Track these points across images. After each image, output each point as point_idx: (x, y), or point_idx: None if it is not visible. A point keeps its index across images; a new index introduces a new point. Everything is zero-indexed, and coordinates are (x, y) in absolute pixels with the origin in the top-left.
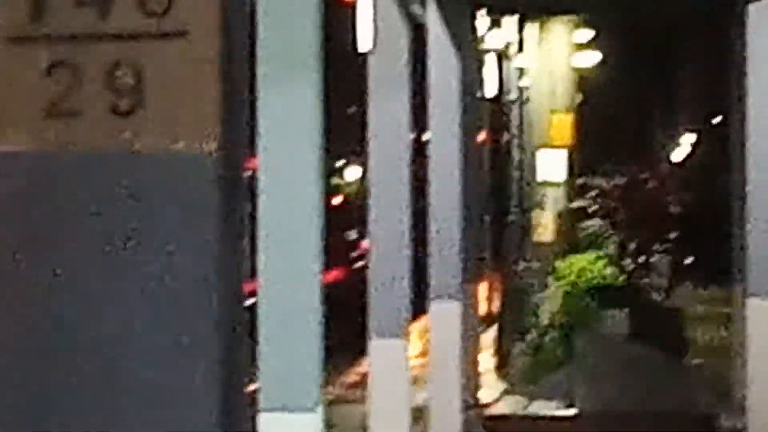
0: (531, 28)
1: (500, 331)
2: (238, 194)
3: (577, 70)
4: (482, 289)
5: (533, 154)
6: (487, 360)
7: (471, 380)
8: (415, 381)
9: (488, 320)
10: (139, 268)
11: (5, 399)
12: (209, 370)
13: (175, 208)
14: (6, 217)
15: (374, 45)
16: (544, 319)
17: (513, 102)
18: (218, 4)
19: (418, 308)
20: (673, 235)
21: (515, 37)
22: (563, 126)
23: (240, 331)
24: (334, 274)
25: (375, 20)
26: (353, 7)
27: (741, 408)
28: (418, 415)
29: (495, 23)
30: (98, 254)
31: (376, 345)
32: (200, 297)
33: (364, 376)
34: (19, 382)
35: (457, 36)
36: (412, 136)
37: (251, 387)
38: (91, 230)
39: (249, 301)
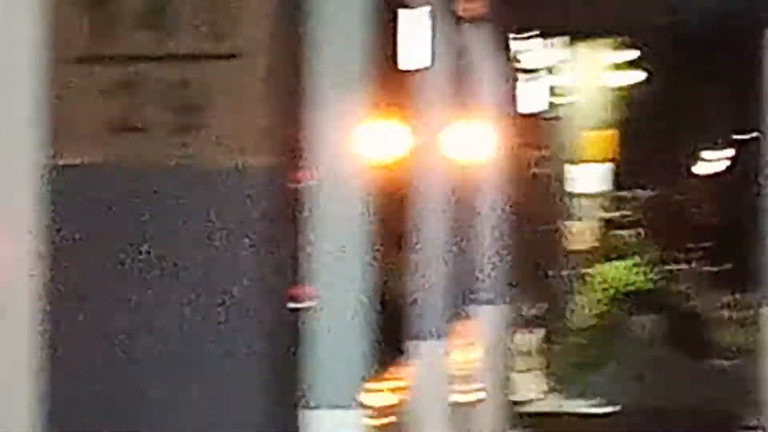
0: (576, 49)
1: (546, 333)
2: (291, 203)
3: (616, 89)
4: (527, 293)
5: (573, 165)
6: (531, 360)
7: (512, 380)
8: (458, 380)
9: (533, 323)
10: (201, 269)
11: (97, 372)
12: (256, 363)
13: (232, 217)
14: (76, 224)
15: (432, 63)
16: (584, 323)
17: (557, 118)
18: (271, 28)
19: (462, 312)
20: (706, 244)
21: (562, 57)
22: (601, 141)
23: (291, 330)
24: None
25: (433, 41)
26: (394, 29)
27: (765, 405)
28: (459, 413)
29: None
30: (163, 257)
31: (420, 347)
32: (255, 297)
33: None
34: (106, 359)
35: (504, 58)
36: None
37: (300, 384)
38: (153, 236)
39: (301, 304)
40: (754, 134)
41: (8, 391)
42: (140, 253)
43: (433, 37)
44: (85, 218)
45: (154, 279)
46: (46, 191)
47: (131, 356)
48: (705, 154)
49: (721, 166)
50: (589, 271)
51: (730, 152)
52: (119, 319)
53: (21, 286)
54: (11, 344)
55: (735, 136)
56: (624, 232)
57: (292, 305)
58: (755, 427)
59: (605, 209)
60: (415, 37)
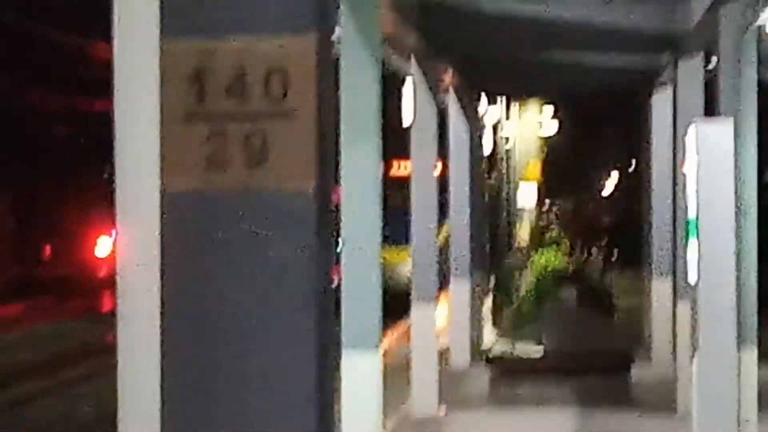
0: (513, 108)
1: (495, 300)
2: (329, 216)
3: (542, 135)
4: (486, 271)
5: (515, 188)
6: (487, 318)
7: (475, 331)
8: (441, 330)
9: (490, 291)
10: (269, 263)
11: (190, 343)
12: (311, 321)
13: (289, 228)
14: (184, 234)
15: (414, 121)
16: (523, 292)
17: (501, 157)
18: (316, 93)
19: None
20: (605, 239)
21: (503, 114)
22: (532, 172)
23: (329, 299)
24: None
25: (414, 106)
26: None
27: (648, 346)
28: (443, 354)
29: (491, 102)
30: (241, 257)
31: (414, 308)
32: (310, 280)
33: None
34: (198, 337)
35: (468, 115)
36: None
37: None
38: (233, 244)
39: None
40: (636, 164)
41: (138, 358)
42: (227, 253)
43: (415, 100)
44: (189, 231)
45: (238, 273)
46: (163, 211)
47: (226, 330)
48: (602, 178)
49: (613, 186)
50: (529, 257)
51: (619, 177)
52: (214, 306)
53: (147, 279)
54: (141, 327)
55: (623, 166)
56: (550, 231)
57: (329, 279)
58: (640, 361)
59: (537, 215)
60: (410, 101)
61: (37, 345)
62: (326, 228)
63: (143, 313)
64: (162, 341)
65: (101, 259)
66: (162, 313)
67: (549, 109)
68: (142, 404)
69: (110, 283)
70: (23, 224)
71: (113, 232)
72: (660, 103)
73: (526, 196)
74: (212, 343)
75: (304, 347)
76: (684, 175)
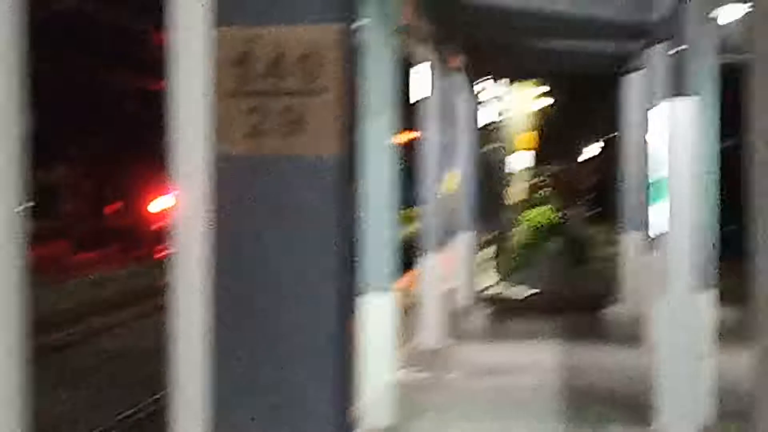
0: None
1: (494, 250)
2: (353, 178)
3: (536, 109)
4: (486, 226)
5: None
6: (487, 264)
7: (475, 277)
8: (446, 276)
9: (489, 243)
10: (302, 216)
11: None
12: (335, 276)
13: (318, 186)
14: (230, 192)
15: (431, 94)
16: (518, 243)
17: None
18: (343, 74)
19: (449, 237)
20: (586, 197)
21: (504, 91)
22: (527, 142)
23: (351, 254)
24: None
25: (430, 83)
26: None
27: (619, 290)
28: (449, 295)
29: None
30: (279, 211)
31: (423, 258)
32: (337, 235)
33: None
34: (238, 302)
35: (471, 91)
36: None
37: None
38: (272, 201)
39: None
40: (614, 135)
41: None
42: (266, 208)
43: (432, 79)
44: (236, 188)
45: (277, 224)
46: (212, 174)
47: (265, 269)
48: (586, 146)
49: (595, 152)
50: (521, 213)
51: (600, 145)
52: (255, 250)
53: (197, 231)
54: (191, 273)
55: (603, 136)
56: (540, 191)
57: (352, 238)
58: (613, 301)
59: (530, 178)
60: (421, 80)
61: (107, 285)
62: (350, 188)
63: (193, 260)
64: (210, 283)
65: (158, 215)
66: (210, 259)
67: (543, 87)
68: (191, 340)
69: (161, 235)
70: (96, 187)
71: (165, 193)
72: (634, 82)
73: (522, 161)
74: (252, 281)
75: (329, 293)
76: (646, 143)
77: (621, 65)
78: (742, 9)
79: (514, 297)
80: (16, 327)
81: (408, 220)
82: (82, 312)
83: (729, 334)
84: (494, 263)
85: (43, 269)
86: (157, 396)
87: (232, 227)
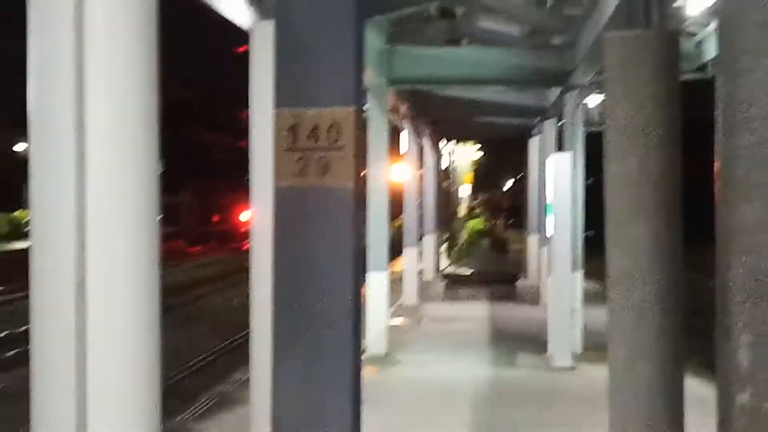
0: (460, 144)
1: (448, 245)
2: (362, 203)
3: (474, 159)
4: (444, 230)
5: (459, 186)
6: (445, 254)
7: (439, 261)
8: (419, 261)
9: (446, 241)
10: (330, 227)
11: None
12: (353, 262)
13: (340, 207)
14: (284, 209)
15: (406, 155)
16: (461, 241)
17: (453, 168)
18: (354, 137)
19: (421, 236)
20: (505, 213)
21: (454, 147)
22: (468, 179)
23: (363, 246)
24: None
25: (408, 142)
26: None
27: (525, 270)
28: (421, 272)
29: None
30: (316, 223)
31: (405, 250)
32: (351, 233)
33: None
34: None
35: (433, 148)
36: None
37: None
38: (311, 215)
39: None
40: (522, 174)
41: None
42: (308, 221)
43: (409, 140)
44: (288, 208)
45: (315, 233)
46: (274, 198)
47: (311, 264)
48: (505, 181)
49: (510, 185)
50: (465, 222)
51: (513, 180)
52: (301, 249)
53: (266, 233)
54: (263, 260)
55: (515, 175)
56: (476, 209)
57: (363, 237)
58: (521, 277)
59: (470, 201)
60: (404, 139)
61: (205, 268)
62: (360, 208)
63: (264, 251)
64: (274, 263)
65: (243, 222)
66: (274, 249)
67: (477, 145)
68: (263, 299)
69: (246, 235)
70: (202, 205)
71: (250, 210)
72: (534, 142)
73: (465, 190)
74: (301, 262)
75: (349, 272)
76: (542, 180)
77: (526, 132)
78: (600, 98)
79: (460, 274)
80: (155, 294)
81: (396, 226)
82: (192, 284)
83: (591, 298)
84: (448, 253)
85: (168, 257)
86: (243, 334)
87: (287, 231)
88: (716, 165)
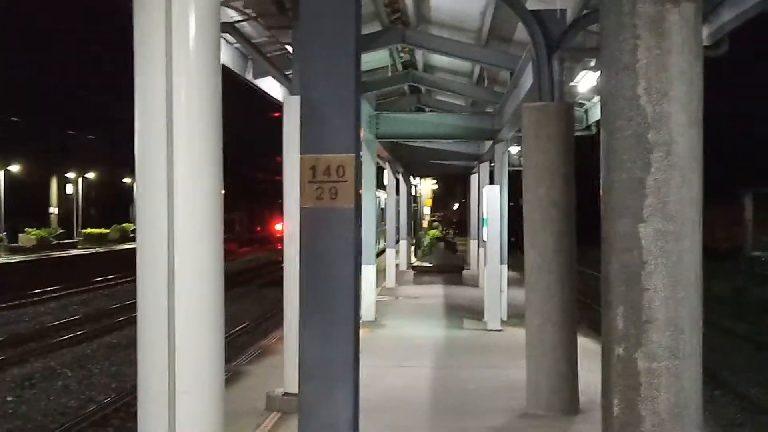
0: (421, 179)
1: (415, 246)
2: (360, 218)
3: (432, 189)
4: (412, 237)
5: (422, 208)
6: (413, 253)
7: (410, 258)
8: (398, 258)
9: (414, 244)
10: (339, 236)
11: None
12: (353, 258)
13: (345, 221)
14: (308, 223)
15: (388, 185)
16: (424, 244)
17: (417, 196)
18: (354, 174)
19: (398, 240)
20: (454, 225)
21: (419, 180)
22: (428, 202)
23: (360, 249)
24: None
25: (389, 177)
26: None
27: (468, 263)
28: (398, 265)
29: (415, 176)
30: (330, 233)
31: (388, 250)
32: (351, 241)
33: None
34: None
35: (405, 181)
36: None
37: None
38: (326, 226)
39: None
40: (464, 200)
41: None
42: (324, 232)
43: (390, 175)
44: (310, 223)
45: (329, 240)
46: (300, 215)
47: (328, 262)
48: (454, 204)
49: (457, 206)
50: (427, 232)
51: (459, 203)
52: (319, 254)
53: (294, 238)
54: (292, 256)
55: (461, 200)
56: (435, 222)
57: (360, 243)
58: (466, 268)
59: (430, 217)
60: (387, 175)
61: (251, 262)
62: (359, 222)
63: (294, 251)
64: (301, 259)
65: (278, 231)
66: (300, 250)
67: (434, 179)
68: (292, 283)
69: (281, 239)
70: (250, 219)
71: (282, 223)
72: (474, 178)
73: (426, 210)
74: (318, 258)
75: (350, 264)
76: (479, 203)
77: (468, 171)
78: (518, 148)
79: (424, 266)
80: (221, 278)
81: (382, 233)
82: (241, 271)
83: (513, 282)
84: (416, 252)
85: (226, 255)
86: (277, 309)
87: (310, 237)
88: (601, 193)
